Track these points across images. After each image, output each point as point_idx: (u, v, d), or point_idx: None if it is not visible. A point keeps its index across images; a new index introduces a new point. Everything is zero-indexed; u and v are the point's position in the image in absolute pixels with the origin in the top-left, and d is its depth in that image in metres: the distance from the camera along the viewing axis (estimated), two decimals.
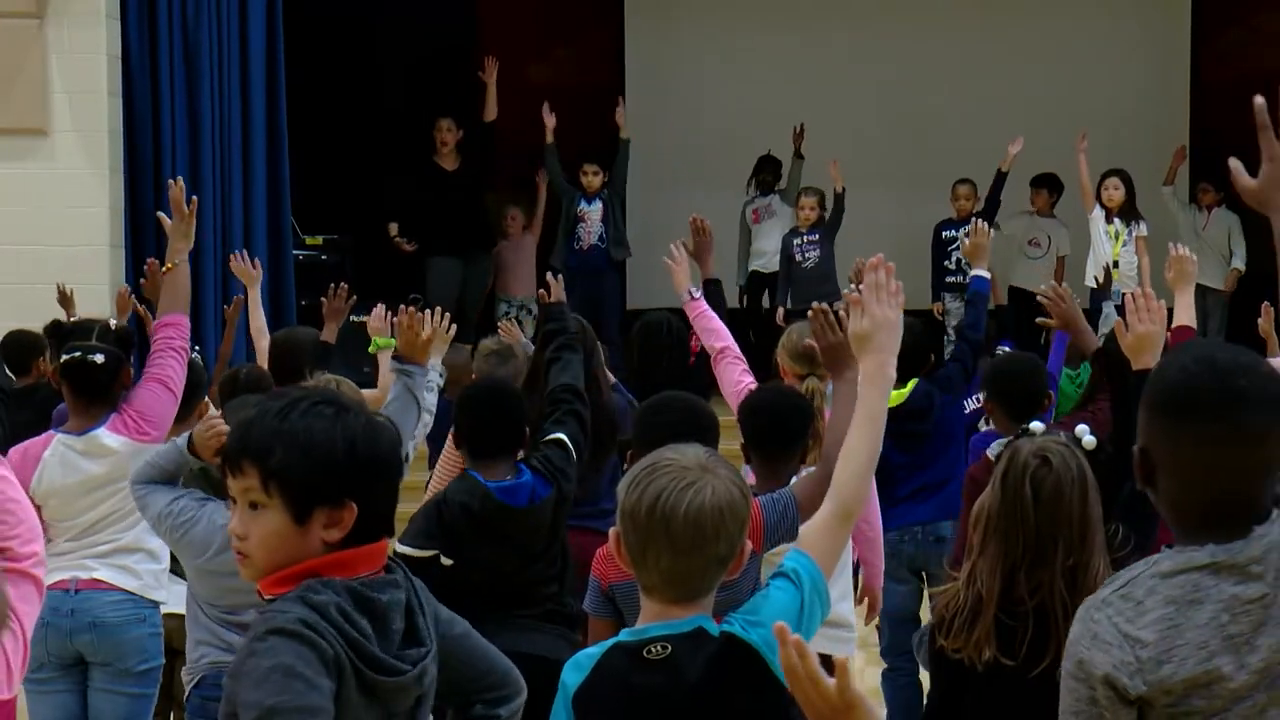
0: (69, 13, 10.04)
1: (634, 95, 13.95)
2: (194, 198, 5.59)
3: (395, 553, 4.30)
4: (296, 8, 11.30)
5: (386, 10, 13.65)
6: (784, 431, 4.61)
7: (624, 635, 2.82)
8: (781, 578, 2.87)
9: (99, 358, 5.20)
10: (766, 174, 12.54)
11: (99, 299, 9.65)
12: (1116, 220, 11.14)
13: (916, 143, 13.54)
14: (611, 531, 2.81)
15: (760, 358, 8.67)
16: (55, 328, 6.33)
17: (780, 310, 11.52)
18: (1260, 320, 6.76)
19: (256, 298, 7.64)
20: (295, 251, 11.31)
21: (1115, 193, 11.17)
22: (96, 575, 5.20)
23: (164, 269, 5.48)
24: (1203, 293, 12.41)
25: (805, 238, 11.67)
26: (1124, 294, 4.14)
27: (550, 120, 12.09)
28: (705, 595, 2.79)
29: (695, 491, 2.73)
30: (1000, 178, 11.77)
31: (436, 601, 2.77)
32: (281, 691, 2.42)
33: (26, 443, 5.26)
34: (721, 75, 13.83)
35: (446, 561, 4.65)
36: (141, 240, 10.38)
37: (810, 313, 4.33)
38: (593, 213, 12.13)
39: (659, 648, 2.75)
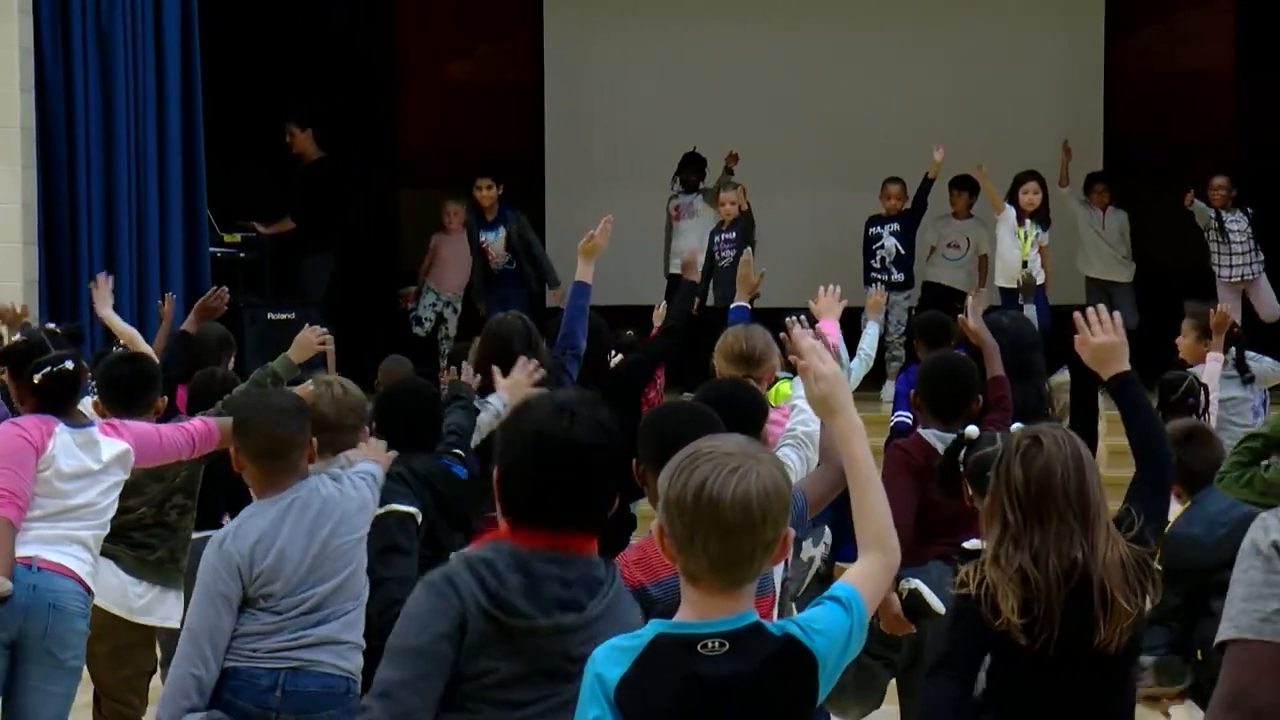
0: None
1: (554, 94, 13.95)
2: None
3: (395, 510, 4.88)
4: (212, 3, 11.22)
5: (305, 5, 13.58)
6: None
7: (666, 626, 2.80)
8: (836, 602, 2.90)
9: (69, 364, 5.45)
10: (691, 172, 12.53)
11: (13, 296, 9.51)
12: (1028, 222, 11.22)
13: (841, 141, 13.60)
14: (654, 525, 2.83)
15: (691, 359, 8.67)
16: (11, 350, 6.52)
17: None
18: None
19: (110, 315, 7.84)
20: (212, 249, 11.24)
21: (1035, 197, 11.23)
22: (55, 559, 5.27)
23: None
24: (1105, 287, 12.62)
25: (724, 236, 11.68)
26: (1075, 313, 4.24)
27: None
28: (750, 583, 2.81)
29: (741, 476, 2.75)
30: (927, 184, 11.93)
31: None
32: (398, 635, 3.06)
33: (34, 418, 5.37)
34: (644, 73, 13.84)
35: (418, 518, 5.03)
36: (55, 238, 10.28)
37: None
38: (495, 244, 12.11)
39: (716, 644, 2.76)
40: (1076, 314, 4.21)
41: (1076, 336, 4.18)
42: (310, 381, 5.39)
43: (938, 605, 4.89)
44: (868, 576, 2.95)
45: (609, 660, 2.79)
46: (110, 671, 5.84)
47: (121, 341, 7.50)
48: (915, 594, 5.02)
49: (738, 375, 5.56)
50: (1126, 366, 4.11)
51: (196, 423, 5.61)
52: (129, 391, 5.79)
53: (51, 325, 7.75)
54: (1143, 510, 3.91)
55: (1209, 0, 14.10)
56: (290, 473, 4.56)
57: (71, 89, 10.28)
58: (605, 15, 14.01)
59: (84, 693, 5.62)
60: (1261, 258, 12.03)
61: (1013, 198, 11.23)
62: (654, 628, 2.80)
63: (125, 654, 5.76)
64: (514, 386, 5.71)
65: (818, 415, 3.10)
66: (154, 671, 5.94)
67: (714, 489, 2.74)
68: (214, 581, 4.41)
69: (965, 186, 12.38)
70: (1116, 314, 4.17)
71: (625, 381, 6.74)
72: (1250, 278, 11.99)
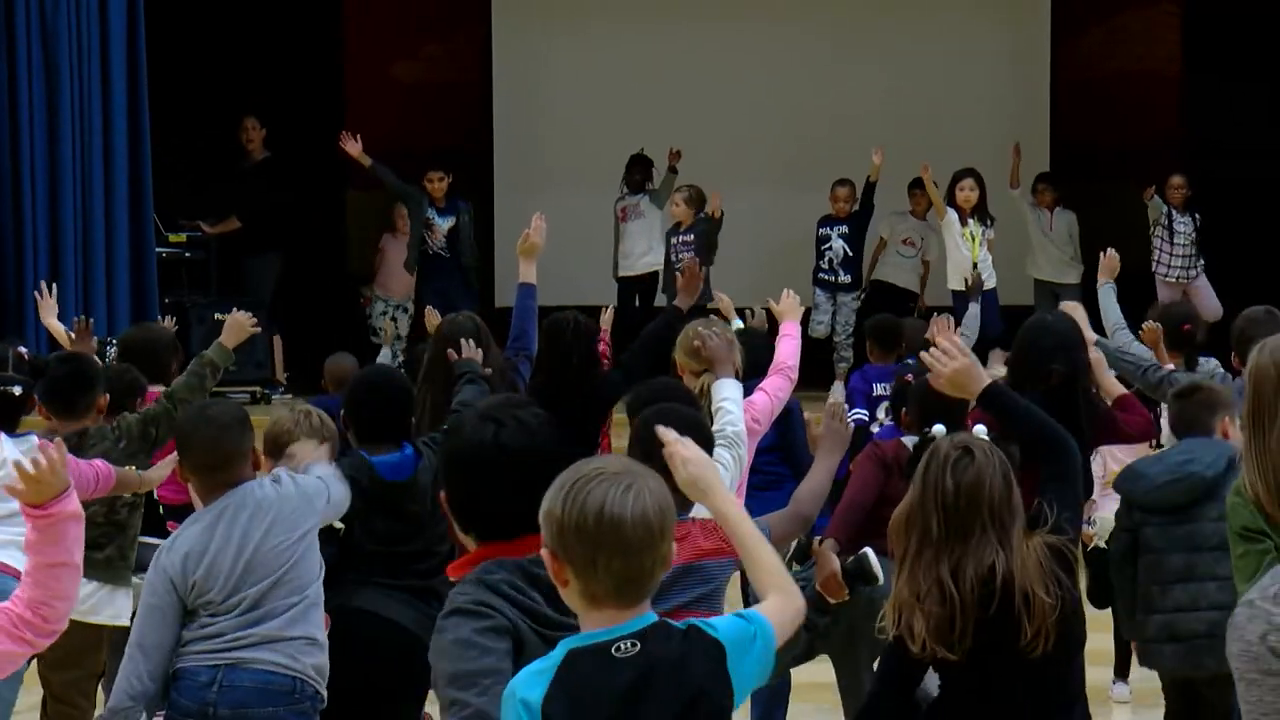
0: None
1: (502, 94, 13.92)
2: None
3: None
4: (158, 3, 11.16)
5: (251, 5, 13.51)
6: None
7: (575, 641, 2.83)
8: (738, 616, 2.94)
9: (17, 390, 5.47)
10: (637, 173, 12.52)
11: None
12: (971, 221, 11.22)
13: (791, 142, 13.61)
14: (544, 552, 2.83)
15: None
16: None
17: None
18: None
19: (54, 323, 7.88)
20: (158, 249, 11.20)
21: (971, 193, 11.22)
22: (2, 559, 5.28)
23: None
24: (1053, 289, 12.66)
25: (680, 238, 11.70)
26: (921, 354, 4.29)
27: (355, 148, 11.90)
28: (649, 597, 2.85)
29: (636, 494, 2.78)
30: (869, 187, 11.98)
31: None
32: (458, 660, 2.97)
33: None
34: (593, 73, 13.82)
35: (338, 526, 5.00)
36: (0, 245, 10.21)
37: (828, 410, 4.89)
38: (440, 226, 12.12)
39: (628, 644, 2.80)
40: (923, 354, 4.30)
41: (929, 376, 4.27)
42: (286, 410, 5.42)
43: (879, 571, 4.97)
44: (778, 611, 2.98)
45: (528, 685, 2.81)
46: (57, 673, 5.78)
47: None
48: (863, 558, 5.09)
49: (697, 370, 5.66)
50: (986, 381, 4.16)
51: (100, 465, 5.55)
52: (69, 391, 5.77)
53: (23, 350, 7.74)
54: (1055, 500, 3.91)
55: (1155, 2, 14.19)
56: (234, 484, 4.59)
57: (15, 89, 10.21)
58: (553, 15, 13.98)
59: (25, 696, 5.57)
60: (1202, 262, 12.17)
61: (951, 198, 11.25)
62: (564, 646, 2.83)
63: (72, 655, 5.69)
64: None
65: (690, 497, 3.08)
66: (103, 674, 5.89)
67: (614, 509, 2.76)
68: (150, 595, 4.53)
69: (923, 188, 12.41)
70: (954, 335, 4.22)
71: (600, 396, 6.58)
72: (1190, 280, 12.14)
